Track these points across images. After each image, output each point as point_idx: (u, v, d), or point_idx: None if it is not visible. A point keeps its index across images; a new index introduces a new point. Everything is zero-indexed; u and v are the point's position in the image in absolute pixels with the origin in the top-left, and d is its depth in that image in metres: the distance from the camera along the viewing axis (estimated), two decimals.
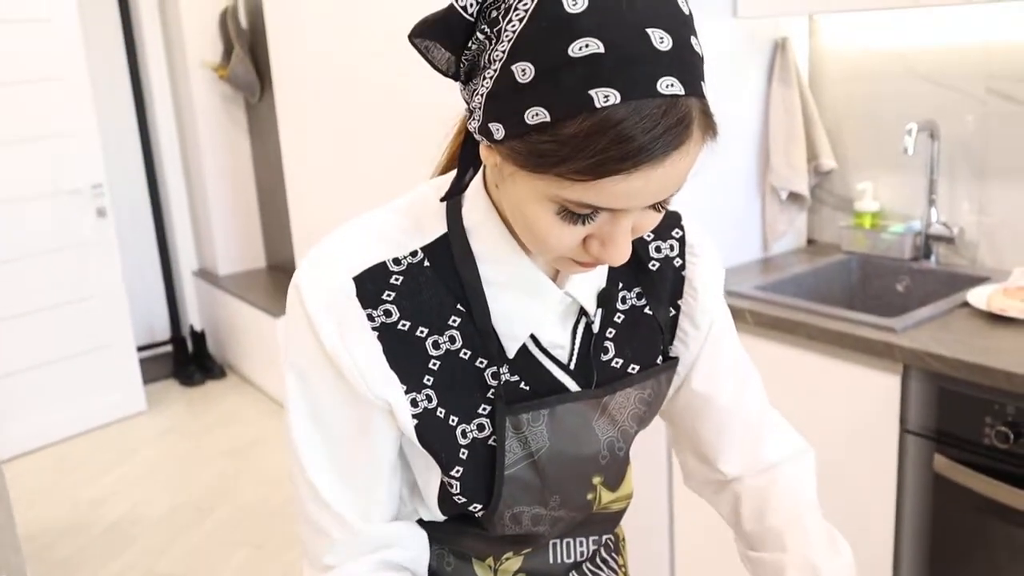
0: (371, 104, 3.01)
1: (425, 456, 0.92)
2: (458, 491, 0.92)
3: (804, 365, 2.14)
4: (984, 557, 1.91)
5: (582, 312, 0.96)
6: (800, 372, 2.15)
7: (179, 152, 4.98)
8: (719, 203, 2.54)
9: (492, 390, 0.90)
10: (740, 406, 1.10)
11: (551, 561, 1.04)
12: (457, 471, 0.91)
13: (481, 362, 0.90)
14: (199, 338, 4.95)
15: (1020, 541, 1.84)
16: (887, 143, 2.54)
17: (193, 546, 3.26)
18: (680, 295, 1.03)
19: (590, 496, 1.00)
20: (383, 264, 0.88)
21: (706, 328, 1.05)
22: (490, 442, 0.92)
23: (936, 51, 2.41)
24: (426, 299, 0.88)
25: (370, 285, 0.87)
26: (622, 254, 0.79)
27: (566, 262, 0.84)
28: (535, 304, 0.91)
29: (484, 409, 0.91)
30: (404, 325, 0.87)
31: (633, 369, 0.99)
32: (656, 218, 0.81)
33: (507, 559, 1.02)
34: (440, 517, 0.98)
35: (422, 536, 0.99)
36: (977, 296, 2.09)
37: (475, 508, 0.93)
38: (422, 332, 0.88)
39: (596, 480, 1.00)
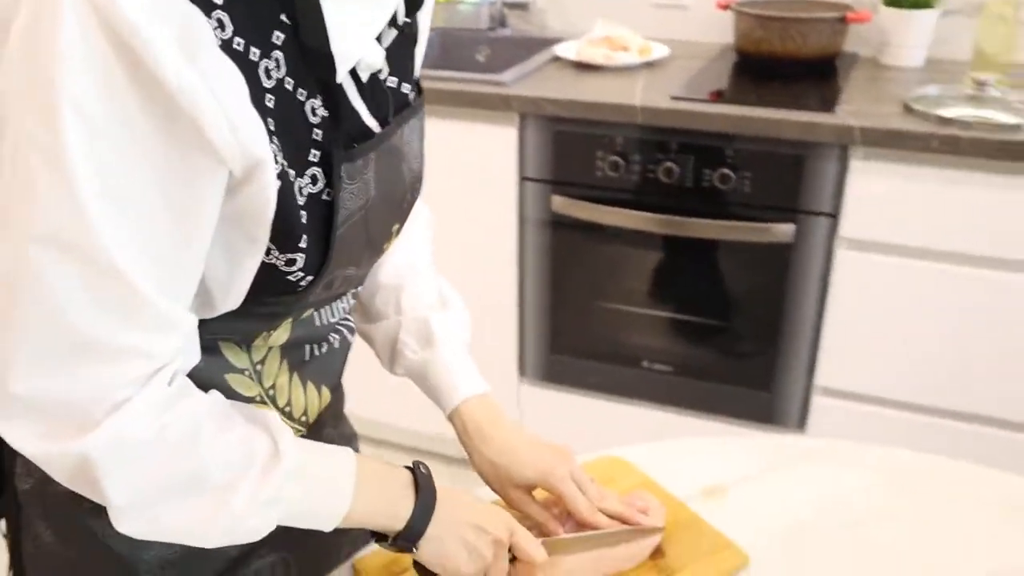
0: None
1: (251, 234, 0.69)
2: (299, 266, 0.73)
3: None
4: (596, 279, 2.13)
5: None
6: None
7: None
8: None
9: (315, 131, 0.71)
10: None
11: (317, 324, 0.90)
12: (304, 241, 0.72)
13: (302, 93, 0.69)
14: None
15: (624, 255, 2.08)
16: None
17: None
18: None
19: (386, 246, 0.88)
20: None
21: (421, 54, 0.93)
22: (324, 197, 0.72)
23: None
24: (252, 4, 0.63)
25: None
26: None
27: None
28: (372, 9, 0.72)
29: (314, 156, 0.71)
30: (239, 44, 0.62)
31: (406, 89, 0.85)
32: None
33: (273, 331, 0.85)
34: (230, 308, 0.76)
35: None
36: (565, 49, 2.24)
37: (304, 283, 0.75)
38: (255, 55, 0.64)
39: (395, 228, 0.87)
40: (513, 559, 0.87)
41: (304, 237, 0.72)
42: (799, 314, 1.96)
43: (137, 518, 0.69)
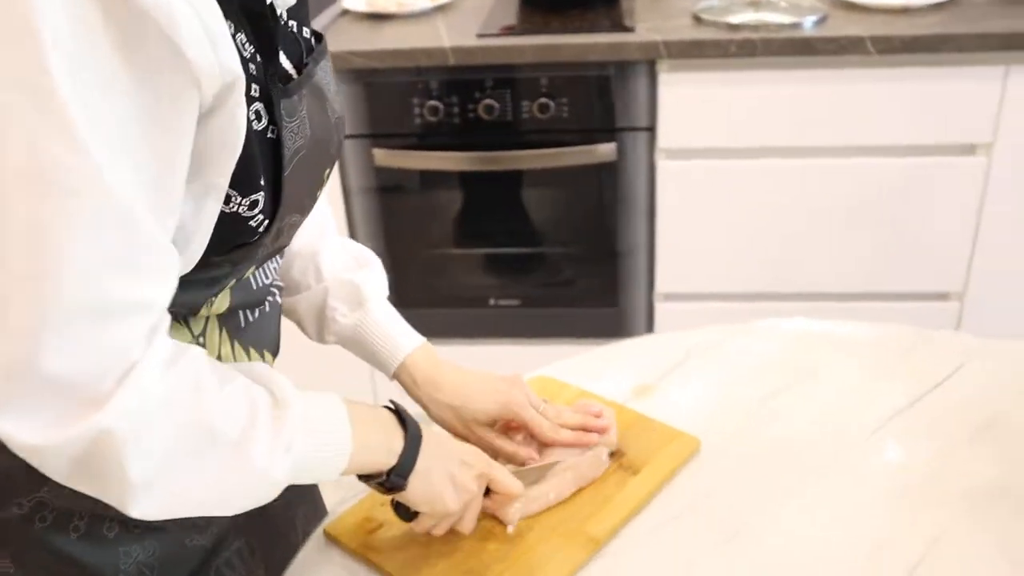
0: None
1: (212, 178, 0.65)
2: (260, 208, 0.69)
3: None
4: (430, 226, 2.13)
5: None
6: None
7: None
8: None
9: (249, 65, 0.67)
10: None
11: (254, 287, 0.85)
12: (262, 179, 0.68)
13: (231, 26, 0.64)
14: None
15: (456, 199, 2.09)
16: None
17: None
18: None
19: (319, 193, 0.85)
20: None
21: None
22: (269, 135, 0.69)
23: None
24: None
25: None
26: None
27: None
28: None
29: (255, 91, 0.67)
30: None
31: (306, 34, 0.81)
32: None
33: (215, 298, 0.80)
34: (185, 271, 0.70)
35: None
36: (354, 1, 2.19)
37: (262, 228, 0.71)
38: None
39: (327, 173, 0.84)
40: (486, 492, 0.88)
41: (262, 177, 0.68)
42: (632, 228, 2.05)
43: (158, 493, 0.63)
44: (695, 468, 0.97)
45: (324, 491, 1.07)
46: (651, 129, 1.95)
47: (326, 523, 0.93)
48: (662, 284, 2.09)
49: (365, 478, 0.81)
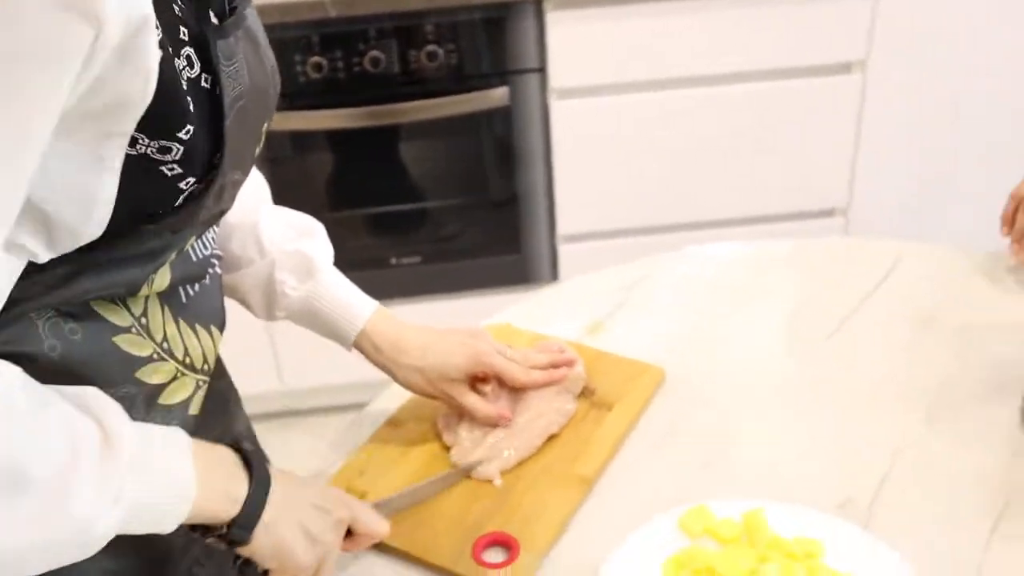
0: None
1: (118, 127, 0.58)
2: (175, 157, 0.62)
3: None
4: (323, 189, 2.06)
5: None
6: None
7: None
8: None
9: (174, 6, 0.61)
10: None
11: (193, 259, 0.78)
12: (187, 131, 0.61)
13: None
14: None
15: (348, 157, 2.02)
16: None
17: None
18: None
19: (258, 151, 0.78)
20: None
21: None
22: (203, 83, 0.63)
23: None
24: None
25: None
26: None
27: None
28: None
29: (184, 34, 0.61)
30: None
31: None
32: None
33: (155, 275, 0.73)
34: (96, 234, 0.63)
35: None
36: None
37: (193, 188, 0.64)
38: None
39: (265, 127, 0.77)
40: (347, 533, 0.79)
41: (189, 127, 0.62)
42: (530, 172, 2.03)
43: None
44: (662, 398, 0.98)
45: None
46: (542, 70, 1.93)
47: None
48: (563, 226, 2.09)
49: (199, 530, 0.69)
